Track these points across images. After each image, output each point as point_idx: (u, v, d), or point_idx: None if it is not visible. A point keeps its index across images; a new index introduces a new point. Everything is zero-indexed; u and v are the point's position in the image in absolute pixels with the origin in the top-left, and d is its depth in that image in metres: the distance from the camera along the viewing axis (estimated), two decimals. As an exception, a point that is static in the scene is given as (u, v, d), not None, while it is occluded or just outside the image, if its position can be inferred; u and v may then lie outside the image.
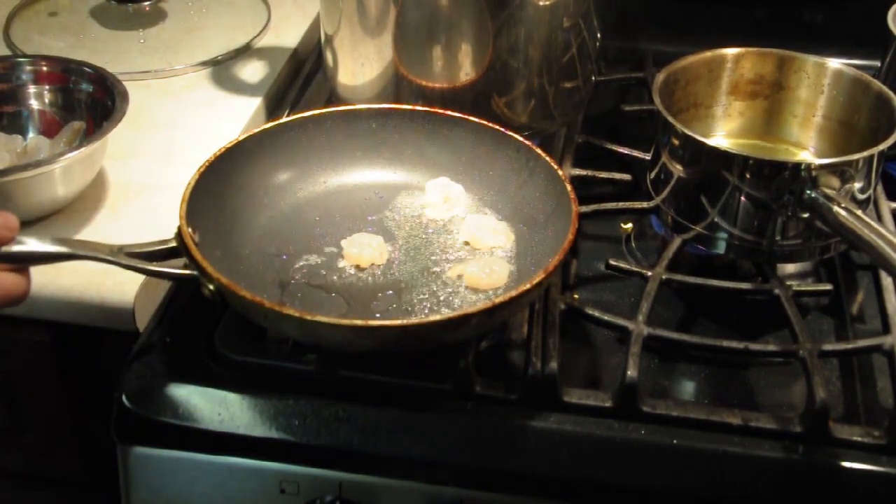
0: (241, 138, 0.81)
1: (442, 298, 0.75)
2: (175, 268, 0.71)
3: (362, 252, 0.78)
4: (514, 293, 0.67)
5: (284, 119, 0.85)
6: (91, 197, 0.87)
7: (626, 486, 0.68)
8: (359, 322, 0.65)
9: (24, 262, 0.66)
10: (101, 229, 0.84)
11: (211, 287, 0.68)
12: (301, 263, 0.78)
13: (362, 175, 0.86)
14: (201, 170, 0.76)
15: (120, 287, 0.78)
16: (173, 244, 0.71)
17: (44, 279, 0.79)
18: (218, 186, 0.78)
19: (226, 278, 0.67)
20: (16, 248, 0.66)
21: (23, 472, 0.93)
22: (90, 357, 0.84)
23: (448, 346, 0.71)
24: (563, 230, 0.73)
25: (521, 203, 0.81)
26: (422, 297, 0.76)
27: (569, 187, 0.77)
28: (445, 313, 0.72)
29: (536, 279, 0.68)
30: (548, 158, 0.80)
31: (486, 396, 0.71)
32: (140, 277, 0.79)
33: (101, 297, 0.78)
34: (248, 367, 0.74)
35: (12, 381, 0.86)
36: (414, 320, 0.71)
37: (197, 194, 0.74)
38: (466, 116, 0.84)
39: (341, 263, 0.78)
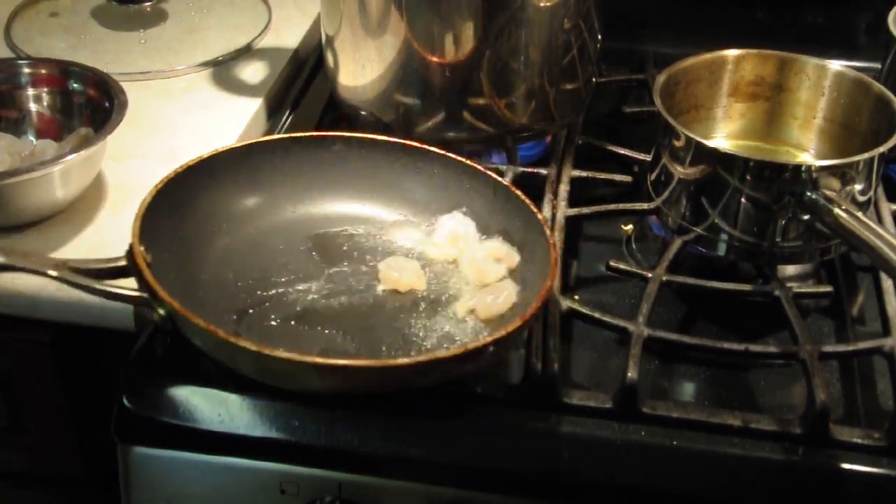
0: (203, 156, 0.77)
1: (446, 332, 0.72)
2: (124, 289, 0.67)
3: (402, 276, 0.75)
4: (488, 339, 0.64)
5: (250, 140, 0.81)
6: (91, 198, 0.87)
7: (626, 487, 0.68)
8: (319, 360, 0.61)
9: None
10: (102, 231, 0.84)
11: (161, 312, 0.65)
12: (261, 293, 0.73)
13: (331, 206, 0.81)
14: (158, 186, 0.73)
15: (120, 286, 0.78)
16: (123, 263, 0.68)
17: (44, 279, 0.79)
18: (176, 205, 0.74)
19: (178, 303, 0.63)
20: None
21: (23, 472, 0.93)
22: (90, 357, 0.84)
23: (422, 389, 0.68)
24: (544, 271, 0.70)
25: (510, 229, 0.78)
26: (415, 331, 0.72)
27: (547, 232, 0.73)
28: (414, 355, 0.68)
29: (511, 327, 0.65)
30: (525, 200, 0.76)
31: (487, 397, 0.71)
32: (140, 278, 0.79)
33: (101, 297, 0.78)
34: (248, 367, 0.73)
35: (12, 381, 0.86)
36: (386, 361, 0.65)
37: (153, 212, 0.70)
38: (443, 152, 0.80)
39: (310, 296, 0.73)
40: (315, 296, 0.74)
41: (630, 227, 0.91)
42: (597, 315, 0.75)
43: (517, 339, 0.70)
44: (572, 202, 0.86)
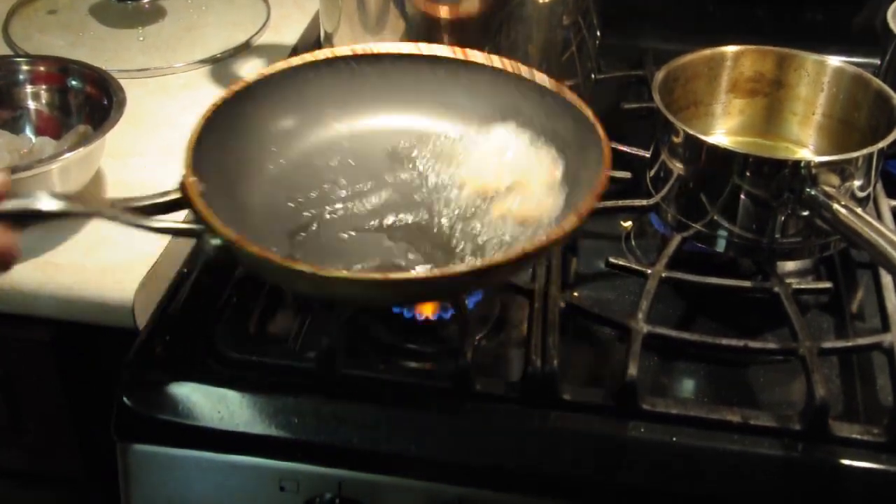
0: (248, 81, 0.75)
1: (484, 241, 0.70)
2: (179, 223, 0.66)
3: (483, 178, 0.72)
4: (540, 242, 0.63)
5: (292, 62, 0.78)
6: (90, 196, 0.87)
7: (625, 484, 0.68)
8: (377, 276, 0.61)
9: (15, 221, 0.61)
10: (101, 229, 0.84)
11: (216, 242, 0.64)
12: (312, 212, 0.73)
13: (376, 121, 0.80)
14: (206, 115, 0.72)
15: (120, 285, 0.78)
16: (176, 196, 0.66)
17: (44, 277, 0.79)
18: (223, 133, 0.72)
19: (234, 233, 0.62)
20: (7, 205, 0.61)
21: (22, 471, 0.93)
22: (90, 355, 0.84)
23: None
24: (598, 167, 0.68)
25: (558, 135, 0.75)
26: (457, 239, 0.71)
27: (598, 128, 0.71)
28: (472, 262, 0.67)
29: (568, 226, 0.64)
30: (573, 99, 0.74)
31: (486, 394, 0.71)
32: (140, 275, 0.79)
33: (100, 295, 0.78)
34: (247, 364, 0.73)
35: (12, 379, 0.86)
36: (435, 272, 0.65)
37: (201, 142, 0.69)
38: (485, 61, 0.78)
39: (357, 209, 0.73)
40: (366, 208, 0.74)
41: (629, 223, 0.91)
42: (596, 312, 0.75)
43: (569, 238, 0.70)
44: (571, 199, 0.86)
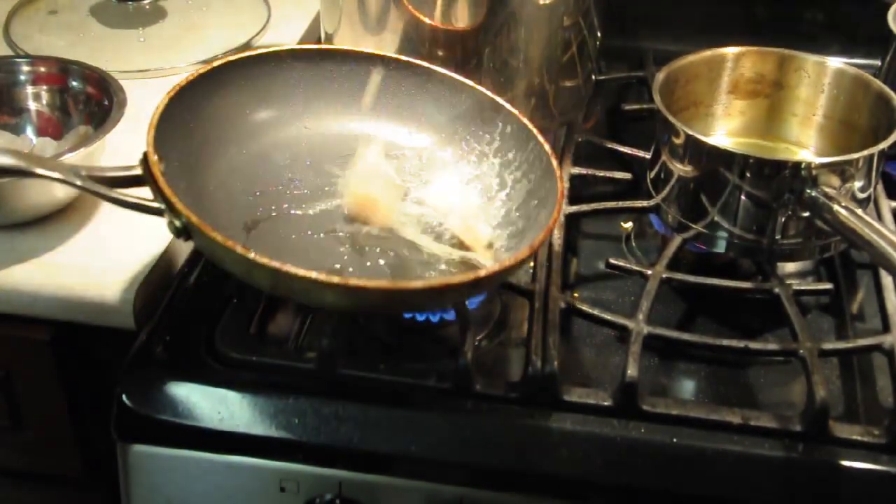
0: (214, 64, 0.75)
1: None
2: (141, 199, 0.66)
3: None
4: (497, 268, 0.65)
5: (261, 50, 0.78)
6: (90, 198, 0.87)
7: (625, 484, 0.68)
8: (335, 279, 0.61)
9: None
10: (101, 229, 0.84)
11: (177, 223, 0.63)
12: (270, 208, 0.73)
13: (342, 124, 0.80)
14: (171, 94, 0.71)
15: (120, 285, 0.78)
16: (137, 172, 0.66)
17: (44, 277, 0.79)
18: (187, 114, 0.72)
19: (195, 215, 0.62)
20: None
21: (22, 471, 0.93)
22: (90, 355, 0.84)
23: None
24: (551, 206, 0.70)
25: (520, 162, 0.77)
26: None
27: (554, 165, 0.73)
28: (428, 278, 0.69)
29: (520, 255, 0.66)
30: (533, 131, 0.76)
31: (486, 395, 0.71)
32: (140, 275, 0.79)
33: (100, 296, 0.78)
34: (247, 365, 0.73)
35: (12, 379, 0.86)
36: (399, 284, 0.66)
37: (165, 121, 0.69)
38: (458, 77, 0.80)
39: (311, 210, 0.74)
40: (322, 210, 0.74)
41: (630, 224, 0.91)
42: (596, 312, 0.75)
43: (522, 266, 0.70)
44: (572, 200, 0.86)
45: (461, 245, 0.74)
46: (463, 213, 0.77)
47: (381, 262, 0.72)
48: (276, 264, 0.61)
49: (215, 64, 0.75)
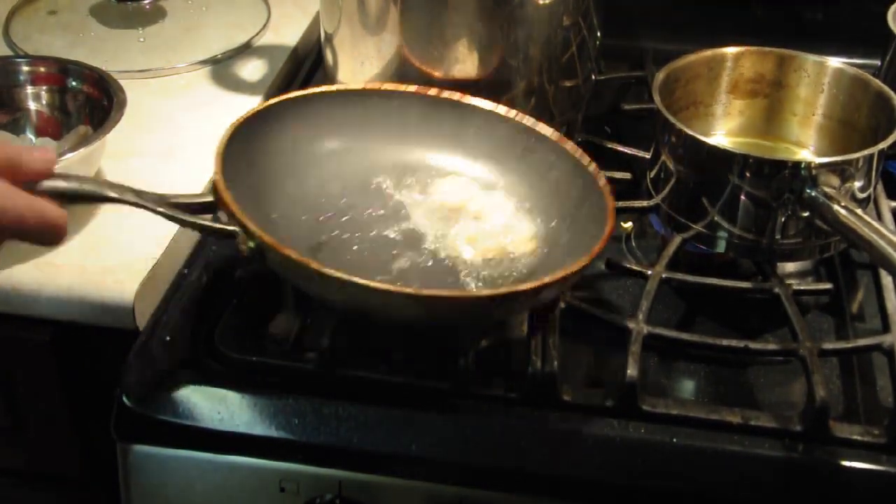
0: (270, 102, 0.80)
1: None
2: (217, 223, 0.69)
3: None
4: (561, 274, 0.67)
5: (317, 90, 0.84)
6: (90, 196, 0.87)
7: (626, 485, 0.68)
8: (409, 290, 0.65)
9: (63, 200, 0.64)
10: (101, 229, 0.84)
11: (251, 244, 0.67)
12: (331, 231, 0.77)
13: (399, 155, 0.84)
14: (236, 124, 0.75)
15: (120, 285, 0.78)
16: (207, 199, 0.70)
17: (44, 278, 0.79)
18: (248, 146, 0.76)
19: (269, 236, 0.66)
20: (59, 183, 0.64)
21: (22, 471, 0.93)
22: (90, 355, 0.84)
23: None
24: (597, 226, 0.73)
25: (551, 196, 0.81)
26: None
27: (601, 182, 0.76)
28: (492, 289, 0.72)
29: (580, 263, 0.68)
30: (573, 151, 0.79)
31: (486, 395, 0.71)
32: (140, 275, 0.79)
33: (100, 296, 0.78)
34: (247, 365, 0.73)
35: (12, 380, 0.86)
36: (468, 293, 0.71)
37: (230, 149, 0.73)
38: (495, 108, 0.83)
39: (371, 233, 0.78)
40: (381, 234, 0.78)
41: (629, 224, 0.91)
42: (596, 313, 0.75)
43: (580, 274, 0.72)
44: (572, 199, 0.86)
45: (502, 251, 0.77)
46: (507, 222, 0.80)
47: (448, 279, 0.75)
48: (347, 276, 0.63)
49: (272, 101, 0.80)
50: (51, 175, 0.64)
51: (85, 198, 0.66)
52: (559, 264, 0.72)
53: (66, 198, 0.64)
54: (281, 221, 0.76)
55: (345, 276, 0.64)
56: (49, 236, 0.62)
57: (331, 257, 0.74)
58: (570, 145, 0.80)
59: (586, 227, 0.75)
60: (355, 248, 0.76)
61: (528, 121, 0.82)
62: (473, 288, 0.74)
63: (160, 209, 0.68)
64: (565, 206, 0.79)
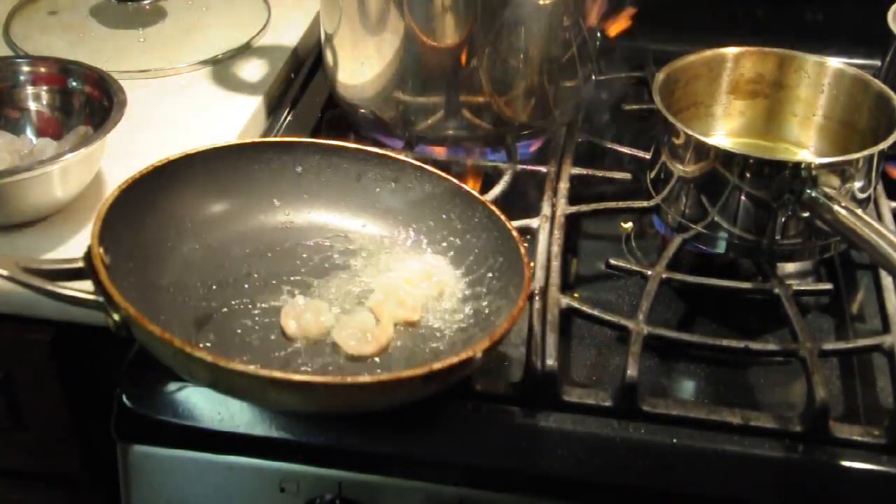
0: (170, 158, 0.74)
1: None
2: (79, 291, 0.64)
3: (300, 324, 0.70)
4: (447, 363, 0.61)
5: (219, 144, 0.78)
6: (90, 197, 0.87)
7: (625, 485, 0.68)
8: (278, 374, 0.57)
9: None
10: (101, 228, 0.84)
11: (116, 318, 0.61)
12: (224, 301, 0.71)
13: (299, 216, 0.79)
14: (122, 187, 0.70)
15: (120, 286, 0.78)
16: (80, 264, 0.64)
17: (44, 278, 0.79)
18: (140, 207, 0.71)
19: (134, 309, 0.60)
20: None
21: (23, 471, 0.93)
22: (90, 356, 0.84)
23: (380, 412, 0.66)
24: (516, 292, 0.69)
25: (475, 255, 0.76)
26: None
27: (522, 250, 0.71)
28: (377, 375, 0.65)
29: (483, 345, 0.63)
30: (501, 217, 0.74)
31: (486, 395, 0.71)
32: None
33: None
34: (247, 365, 0.73)
35: (13, 380, 0.86)
36: (346, 378, 0.60)
37: (115, 213, 0.68)
38: (416, 163, 0.79)
39: (265, 304, 0.71)
40: (276, 305, 0.72)
41: (630, 224, 0.91)
42: (596, 313, 0.75)
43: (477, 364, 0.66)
44: (572, 200, 0.86)
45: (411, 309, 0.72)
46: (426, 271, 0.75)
47: (340, 359, 0.68)
48: (211, 358, 0.57)
49: (170, 158, 0.74)
50: None
51: None
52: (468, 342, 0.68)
53: None
54: (171, 289, 0.70)
55: (208, 358, 0.57)
56: None
57: (218, 330, 0.68)
58: (496, 210, 0.76)
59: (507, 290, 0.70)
60: (247, 322, 0.69)
61: (454, 180, 0.78)
62: (366, 373, 0.65)
63: (17, 277, 0.63)
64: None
